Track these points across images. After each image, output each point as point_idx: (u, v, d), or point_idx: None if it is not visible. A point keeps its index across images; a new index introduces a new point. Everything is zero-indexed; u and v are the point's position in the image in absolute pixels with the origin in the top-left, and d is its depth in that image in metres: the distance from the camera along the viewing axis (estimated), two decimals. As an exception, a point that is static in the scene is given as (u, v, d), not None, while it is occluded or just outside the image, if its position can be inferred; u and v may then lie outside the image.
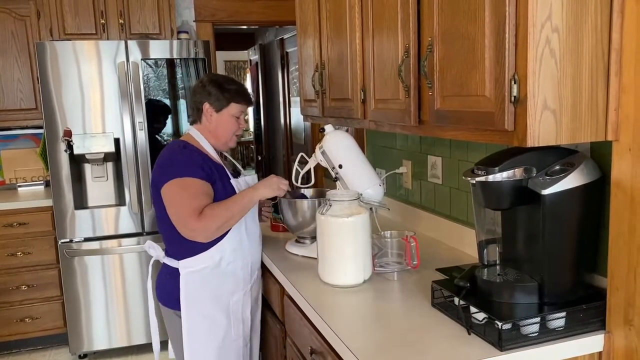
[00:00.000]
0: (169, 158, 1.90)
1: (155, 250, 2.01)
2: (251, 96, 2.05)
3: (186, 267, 1.92)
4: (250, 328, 2.09)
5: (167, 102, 3.61)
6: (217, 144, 1.99)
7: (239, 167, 2.22)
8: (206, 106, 1.95)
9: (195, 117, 2.00)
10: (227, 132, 1.98)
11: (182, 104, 3.54)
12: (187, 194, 1.81)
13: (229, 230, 1.92)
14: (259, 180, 2.02)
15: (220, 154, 2.06)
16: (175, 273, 1.94)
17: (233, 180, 1.96)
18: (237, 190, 1.94)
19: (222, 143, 1.99)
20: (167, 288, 1.98)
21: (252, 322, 2.09)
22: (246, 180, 2.03)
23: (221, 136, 1.98)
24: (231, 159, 2.34)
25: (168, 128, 3.61)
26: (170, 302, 1.97)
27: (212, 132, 1.97)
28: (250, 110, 6.64)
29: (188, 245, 1.89)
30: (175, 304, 1.95)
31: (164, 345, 2.14)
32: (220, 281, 1.95)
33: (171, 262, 1.96)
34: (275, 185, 1.91)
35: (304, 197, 2.16)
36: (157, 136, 3.53)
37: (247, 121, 2.10)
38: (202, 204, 1.81)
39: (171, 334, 2.04)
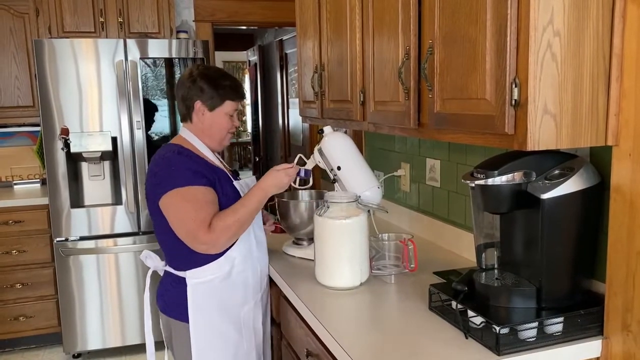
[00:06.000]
0: (163, 166, 1.75)
1: (153, 261, 1.88)
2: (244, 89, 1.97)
3: (193, 277, 1.78)
4: (262, 339, 1.96)
5: (165, 101, 3.60)
6: (211, 144, 1.86)
7: (228, 168, 2.08)
8: (198, 104, 1.82)
9: (185, 114, 1.86)
10: (222, 132, 1.86)
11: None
12: (192, 205, 1.69)
13: (238, 239, 1.82)
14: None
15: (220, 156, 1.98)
16: (181, 281, 1.80)
17: (236, 183, 1.85)
18: (241, 193, 1.82)
19: (216, 142, 1.87)
20: (172, 297, 1.83)
21: (263, 332, 1.98)
22: (246, 182, 1.91)
23: (215, 136, 1.86)
24: (222, 160, 2.03)
25: (158, 126, 3.58)
26: (177, 312, 1.81)
27: (205, 131, 1.84)
28: (248, 110, 6.61)
29: (193, 256, 1.75)
30: (181, 315, 1.80)
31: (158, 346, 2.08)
32: (230, 292, 1.82)
33: (176, 271, 1.82)
34: (283, 178, 1.78)
35: (308, 173, 1.91)
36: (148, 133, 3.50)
37: (241, 116, 2.00)
38: (209, 213, 1.70)
39: (177, 347, 1.88)
